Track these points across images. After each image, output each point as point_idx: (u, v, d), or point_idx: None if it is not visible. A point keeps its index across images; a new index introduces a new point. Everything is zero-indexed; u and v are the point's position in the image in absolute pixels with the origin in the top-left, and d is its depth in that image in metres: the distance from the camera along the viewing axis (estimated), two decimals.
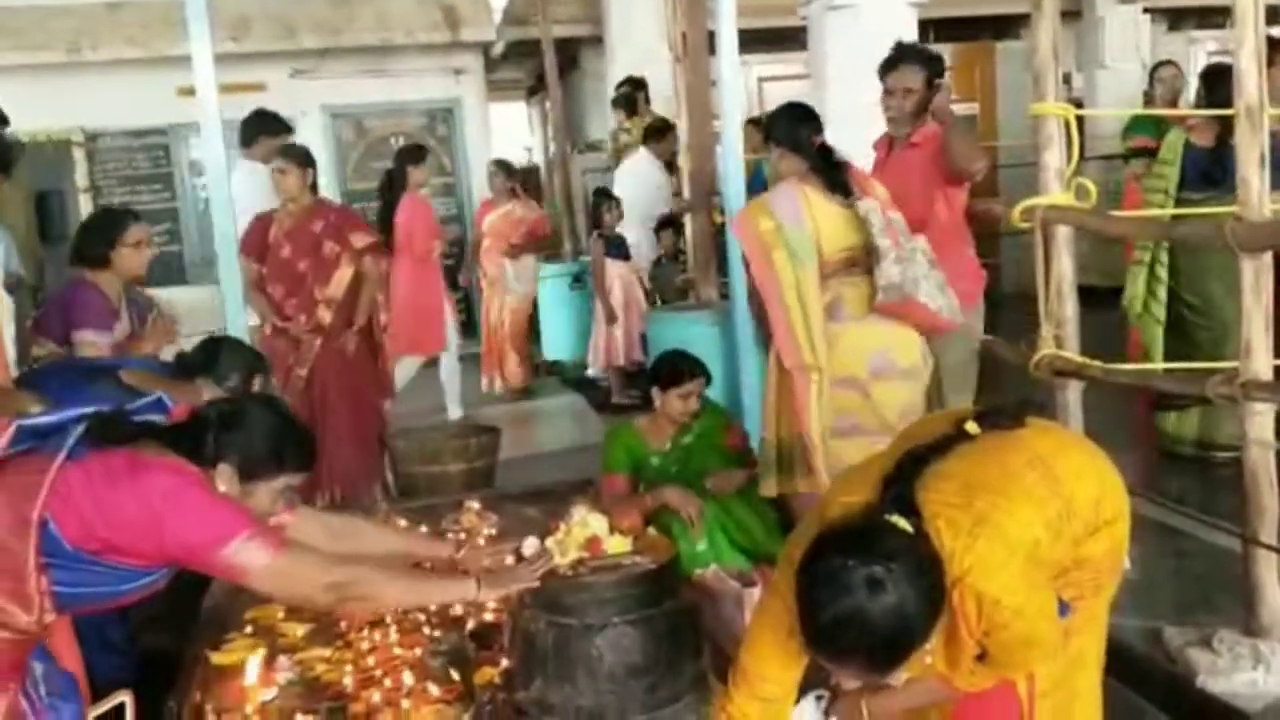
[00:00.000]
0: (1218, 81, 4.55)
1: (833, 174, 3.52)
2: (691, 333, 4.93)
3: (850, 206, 3.47)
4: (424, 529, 3.77)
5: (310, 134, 7.46)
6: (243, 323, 4.50)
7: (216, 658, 2.93)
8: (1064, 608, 1.87)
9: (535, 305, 7.72)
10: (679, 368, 3.80)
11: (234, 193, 4.68)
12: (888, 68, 3.91)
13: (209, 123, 4.39)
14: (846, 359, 3.43)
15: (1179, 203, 4.50)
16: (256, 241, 4.81)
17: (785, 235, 3.38)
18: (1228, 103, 4.09)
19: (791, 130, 3.63)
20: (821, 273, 3.42)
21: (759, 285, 3.50)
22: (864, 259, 3.46)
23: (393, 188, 6.60)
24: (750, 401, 4.57)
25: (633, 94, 7.93)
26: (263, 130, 5.39)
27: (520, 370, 7.40)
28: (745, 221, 3.51)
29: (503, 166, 7.58)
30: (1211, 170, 4.46)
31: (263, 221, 4.85)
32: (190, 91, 4.43)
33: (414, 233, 6.47)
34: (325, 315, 4.75)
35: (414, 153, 6.77)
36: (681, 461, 3.83)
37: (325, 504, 4.47)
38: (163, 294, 4.79)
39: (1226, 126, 4.57)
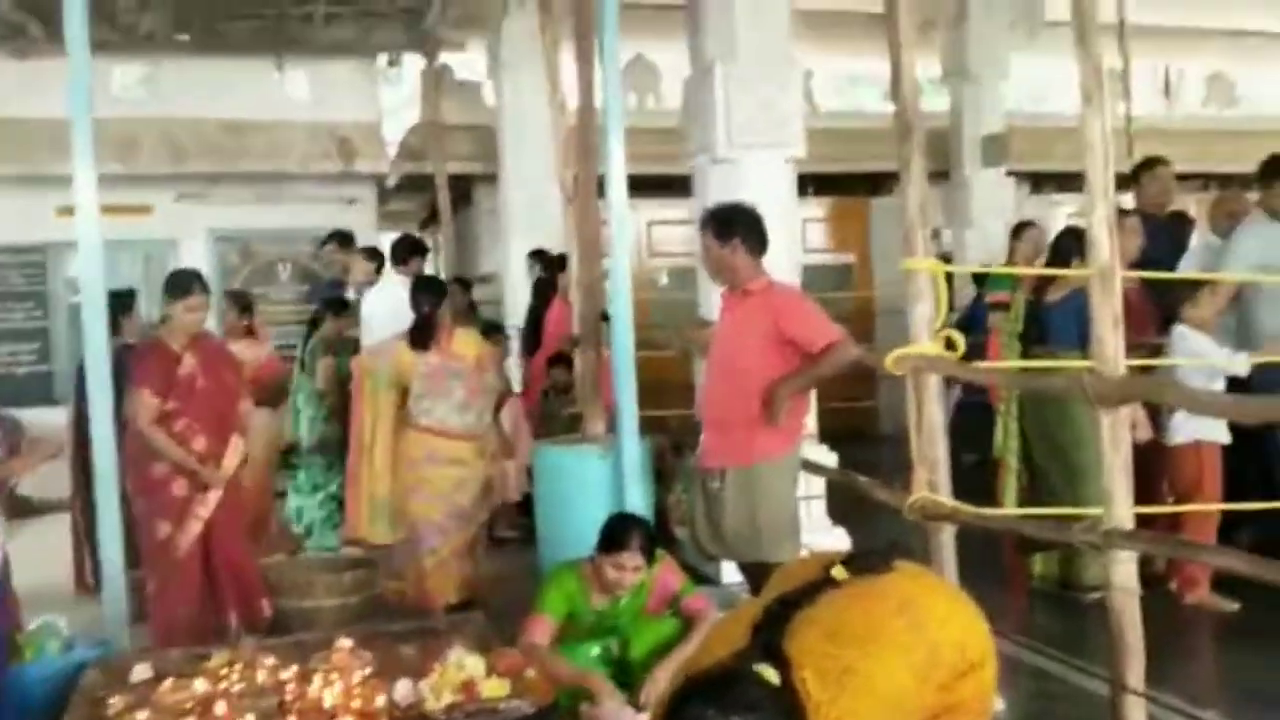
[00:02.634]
0: (1059, 244, 4.97)
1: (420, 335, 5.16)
2: (578, 465, 4.94)
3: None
4: (293, 668, 3.64)
5: (194, 258, 7.37)
6: (109, 452, 4.33)
7: None
8: None
9: None
10: (616, 534, 3.60)
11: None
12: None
13: (88, 245, 4.31)
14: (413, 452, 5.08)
15: (1026, 356, 4.80)
16: (161, 373, 4.48)
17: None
18: (1061, 262, 4.43)
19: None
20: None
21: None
22: None
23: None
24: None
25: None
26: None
27: None
28: None
29: (234, 299, 6.71)
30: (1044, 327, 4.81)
31: (162, 352, 4.54)
32: (69, 211, 4.34)
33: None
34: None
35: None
36: (621, 620, 3.70)
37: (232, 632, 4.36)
38: (28, 414, 4.61)
39: (1038, 287, 4.97)
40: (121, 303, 5.63)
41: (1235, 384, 4.70)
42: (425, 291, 5.25)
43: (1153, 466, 4.76)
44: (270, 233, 9.47)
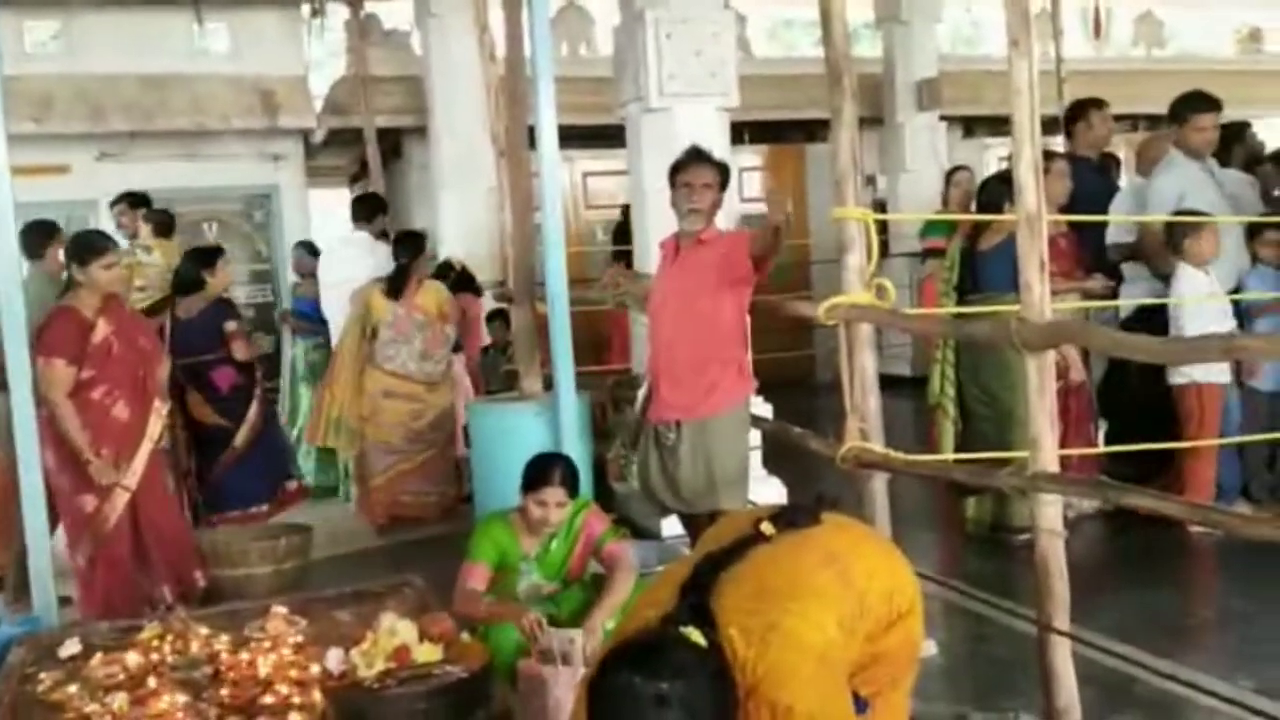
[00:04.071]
0: (987, 188, 4.99)
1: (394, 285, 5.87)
2: (514, 423, 4.90)
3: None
4: (225, 637, 3.59)
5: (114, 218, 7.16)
6: (30, 428, 4.20)
7: None
8: (862, 705, 1.90)
9: None
10: (537, 471, 3.65)
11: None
12: (682, 165, 4.08)
13: (2, 207, 4.15)
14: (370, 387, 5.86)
15: (962, 302, 4.83)
16: (74, 341, 4.33)
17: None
18: (992, 208, 4.45)
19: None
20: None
21: None
22: None
23: None
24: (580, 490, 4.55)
25: (169, 218, 7.17)
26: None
27: None
28: None
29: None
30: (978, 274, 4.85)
31: (74, 319, 4.38)
32: None
33: None
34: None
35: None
36: (550, 567, 3.74)
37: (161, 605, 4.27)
38: None
39: (971, 234, 5.01)
40: (204, 260, 5.96)
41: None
42: (405, 244, 6.02)
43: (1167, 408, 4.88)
44: (195, 191, 9.19)
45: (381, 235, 6.87)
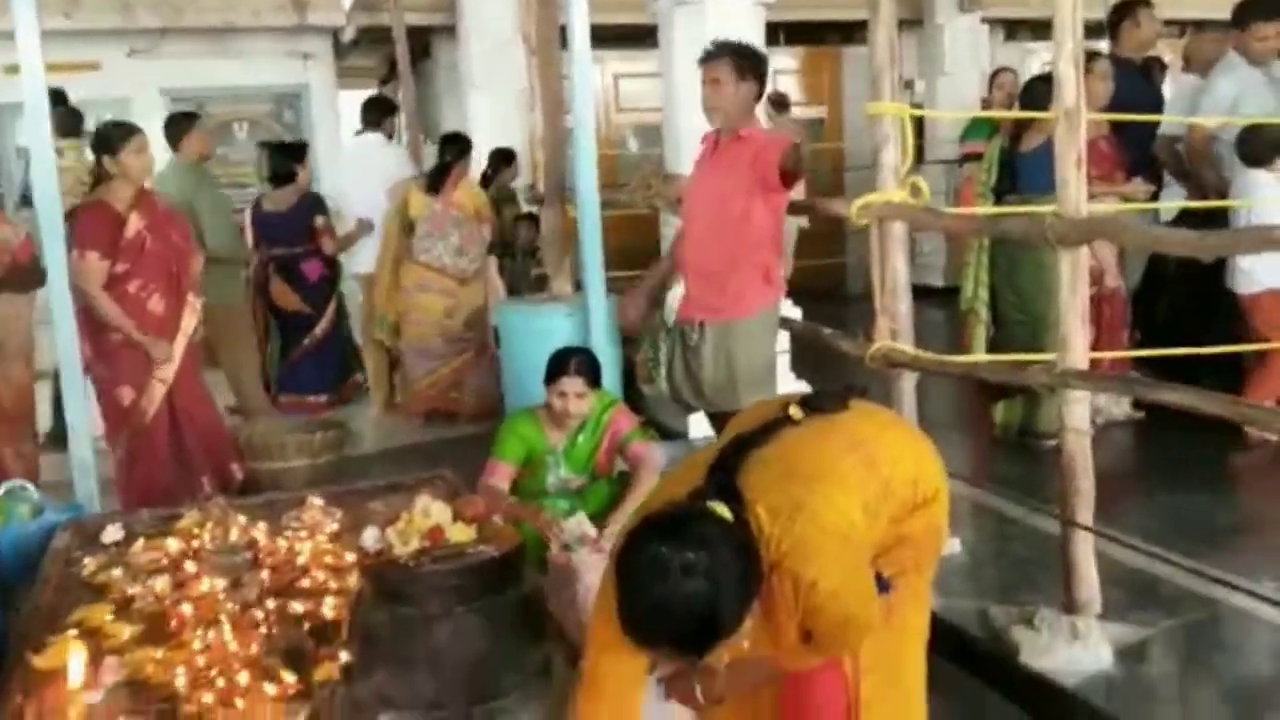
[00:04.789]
0: (1031, 89, 4.86)
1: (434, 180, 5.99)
2: (543, 325, 4.92)
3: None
4: (263, 525, 3.69)
5: (146, 119, 7.12)
6: (68, 320, 4.27)
7: (38, 661, 2.78)
8: (885, 585, 1.94)
9: None
10: (556, 363, 3.72)
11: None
12: (701, 62, 3.97)
13: (34, 104, 4.16)
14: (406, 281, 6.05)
15: (1000, 205, 4.76)
16: (107, 235, 4.36)
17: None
18: (1039, 108, 4.31)
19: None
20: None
21: None
22: None
23: None
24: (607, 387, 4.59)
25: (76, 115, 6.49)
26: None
27: None
28: None
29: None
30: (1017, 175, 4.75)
31: (106, 213, 4.40)
32: (15, 69, 4.12)
33: None
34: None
35: None
36: (577, 460, 3.81)
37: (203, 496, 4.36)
38: None
39: (1012, 135, 4.90)
40: (295, 154, 6.46)
41: None
42: (450, 144, 6.19)
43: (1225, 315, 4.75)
44: (225, 90, 9.15)
45: (390, 136, 6.97)
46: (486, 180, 7.26)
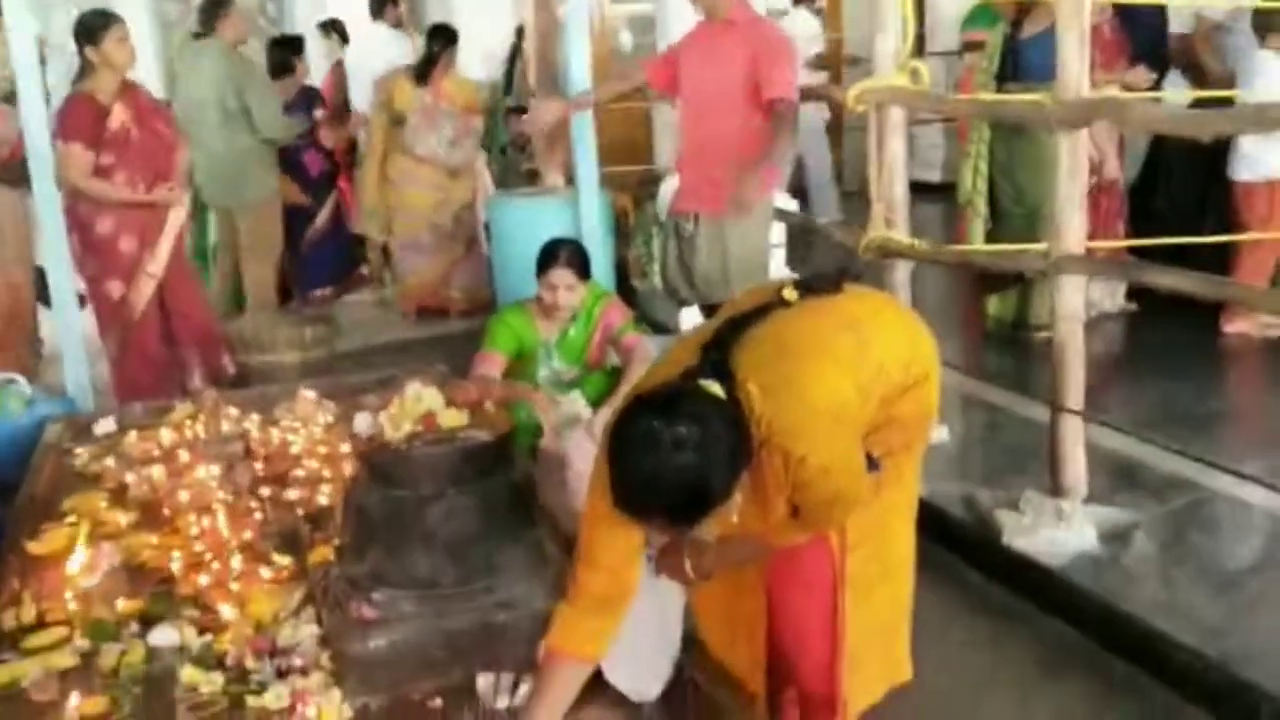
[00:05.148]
0: None
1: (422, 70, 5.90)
2: (534, 216, 4.88)
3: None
4: (255, 416, 3.70)
5: (131, 9, 6.91)
6: (56, 216, 4.22)
7: (34, 547, 2.81)
8: (874, 464, 1.94)
9: None
10: (544, 255, 3.69)
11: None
12: None
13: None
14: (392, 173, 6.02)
15: (1001, 92, 4.66)
16: (91, 127, 4.27)
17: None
18: None
19: None
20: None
21: None
22: None
23: None
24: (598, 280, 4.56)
25: None
26: None
27: None
28: None
29: None
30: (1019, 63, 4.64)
31: (90, 105, 4.29)
32: None
33: None
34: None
35: None
36: (570, 352, 3.81)
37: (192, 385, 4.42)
38: None
39: (1014, 20, 4.78)
40: (292, 46, 6.59)
41: None
42: (437, 35, 6.07)
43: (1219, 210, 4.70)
44: None
45: (397, 25, 6.95)
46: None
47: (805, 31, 7.68)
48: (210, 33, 5.54)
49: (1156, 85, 4.97)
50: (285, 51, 6.46)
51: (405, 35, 7.23)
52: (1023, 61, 4.66)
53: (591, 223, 4.74)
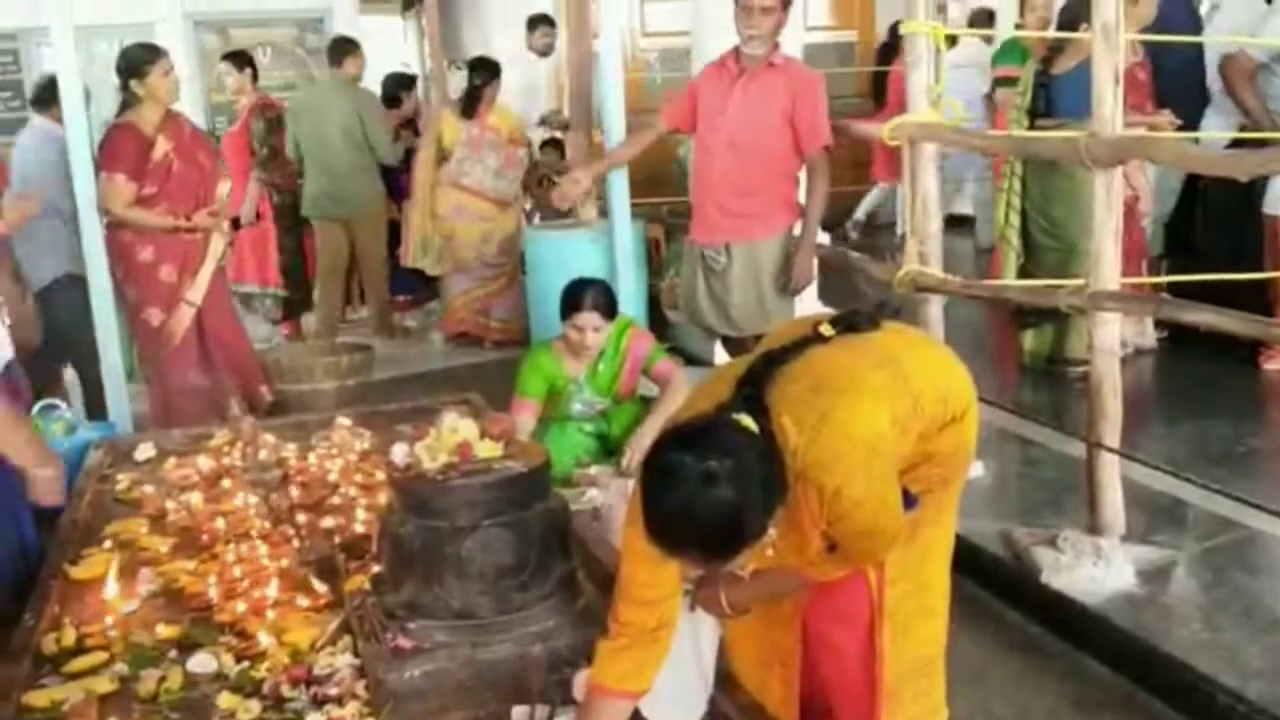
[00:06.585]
0: (1066, 10, 4.72)
1: (467, 104, 6.09)
2: (569, 249, 4.91)
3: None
4: (292, 445, 3.74)
5: (171, 42, 7.06)
6: (98, 244, 4.31)
7: (75, 572, 2.85)
8: (912, 501, 1.94)
9: None
10: (571, 297, 3.70)
11: None
12: None
13: (59, 27, 4.17)
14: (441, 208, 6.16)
15: (1034, 129, 4.66)
16: (134, 157, 4.34)
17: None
18: (1071, 31, 4.16)
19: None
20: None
21: None
22: None
23: None
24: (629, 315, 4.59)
25: None
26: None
27: None
28: None
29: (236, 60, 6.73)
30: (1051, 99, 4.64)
31: (134, 135, 4.36)
32: None
33: None
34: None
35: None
36: (600, 385, 3.84)
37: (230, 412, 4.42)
38: None
39: (1046, 57, 4.78)
40: (404, 82, 7.33)
41: None
42: (480, 69, 6.23)
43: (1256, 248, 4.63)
44: (248, 15, 9.08)
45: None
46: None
47: None
48: (337, 68, 6.37)
49: (1194, 124, 4.94)
50: (398, 86, 7.15)
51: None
52: (1055, 98, 4.66)
53: (625, 255, 4.77)
